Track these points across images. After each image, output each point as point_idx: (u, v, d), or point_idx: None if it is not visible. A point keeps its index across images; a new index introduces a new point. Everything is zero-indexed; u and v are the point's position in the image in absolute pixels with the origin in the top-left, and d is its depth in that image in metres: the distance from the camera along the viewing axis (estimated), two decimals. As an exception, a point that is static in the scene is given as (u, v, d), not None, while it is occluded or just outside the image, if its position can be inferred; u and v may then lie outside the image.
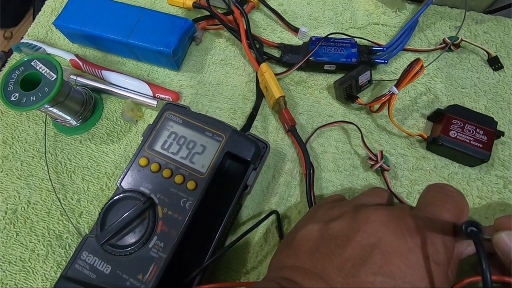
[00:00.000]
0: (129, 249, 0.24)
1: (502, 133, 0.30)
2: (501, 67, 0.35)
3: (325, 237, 0.21)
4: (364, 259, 0.18)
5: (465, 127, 0.30)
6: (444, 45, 0.36)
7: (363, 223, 0.20)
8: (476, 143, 0.29)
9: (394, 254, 0.18)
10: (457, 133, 0.30)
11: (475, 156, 0.29)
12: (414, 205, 0.29)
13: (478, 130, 0.30)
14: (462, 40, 0.35)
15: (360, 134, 0.32)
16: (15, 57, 0.39)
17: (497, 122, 0.30)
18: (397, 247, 0.18)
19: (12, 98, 0.28)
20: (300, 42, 0.37)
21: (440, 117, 0.32)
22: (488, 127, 0.30)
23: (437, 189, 0.22)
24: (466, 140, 0.30)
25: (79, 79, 0.35)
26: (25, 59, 0.29)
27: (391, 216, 0.20)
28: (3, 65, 0.39)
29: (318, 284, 0.18)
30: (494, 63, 0.35)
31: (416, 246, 0.18)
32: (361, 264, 0.18)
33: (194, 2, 0.35)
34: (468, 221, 0.18)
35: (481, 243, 0.17)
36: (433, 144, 0.31)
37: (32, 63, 0.29)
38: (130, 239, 0.24)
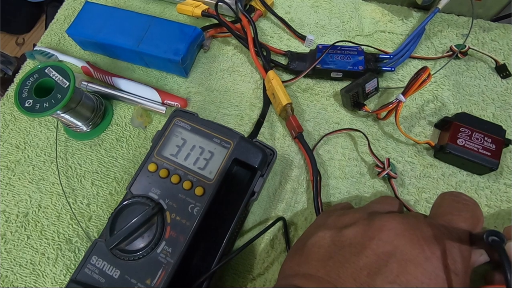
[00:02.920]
0: (137, 254, 0.24)
1: (511, 141, 0.30)
2: (509, 74, 0.35)
3: (338, 245, 0.20)
4: (380, 267, 0.18)
5: (473, 135, 0.30)
6: (451, 53, 0.36)
7: (378, 231, 0.19)
8: (485, 151, 0.29)
9: (410, 263, 0.18)
10: (465, 141, 0.30)
11: (484, 164, 0.29)
12: (421, 212, 0.29)
13: (486, 138, 0.30)
14: (469, 48, 0.35)
15: (367, 142, 0.32)
16: (29, 64, 0.40)
17: (505, 130, 0.30)
18: (414, 256, 0.18)
19: (26, 105, 0.29)
20: (307, 50, 0.38)
21: (447, 125, 0.32)
22: (497, 135, 0.30)
23: (452, 197, 0.22)
24: (474, 148, 0.29)
25: (90, 85, 0.36)
26: (39, 66, 0.30)
27: (407, 225, 0.19)
28: (17, 71, 0.40)
29: None
30: (502, 70, 0.35)
31: (433, 255, 0.18)
32: (376, 273, 0.18)
33: (202, 11, 0.36)
34: (490, 231, 0.18)
35: (505, 252, 0.17)
36: (440, 152, 0.31)
37: (46, 71, 0.30)
38: (139, 244, 0.24)
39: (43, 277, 0.30)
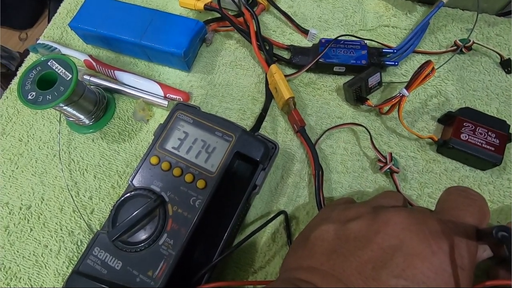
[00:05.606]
0: (139, 245, 0.24)
1: (515, 137, 0.30)
2: (514, 70, 0.34)
3: (342, 238, 0.20)
4: (385, 261, 0.18)
5: (477, 130, 0.30)
6: (455, 47, 0.35)
7: (383, 225, 0.19)
8: (488, 146, 0.29)
9: (417, 258, 0.18)
10: (468, 136, 0.30)
11: (487, 159, 0.29)
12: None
13: (490, 133, 0.29)
14: (474, 42, 0.35)
15: (369, 136, 0.32)
16: (32, 58, 0.40)
17: (509, 125, 0.30)
18: (420, 250, 0.18)
19: (29, 97, 0.29)
20: (309, 44, 0.37)
21: (451, 120, 0.31)
22: (501, 130, 0.30)
23: (459, 192, 0.21)
24: (478, 143, 0.29)
25: (92, 79, 0.36)
26: (42, 59, 0.30)
27: (413, 219, 0.19)
28: (19, 66, 0.41)
29: (337, 287, 0.18)
30: (507, 65, 0.35)
31: (440, 250, 0.18)
32: (382, 267, 0.18)
33: (205, 4, 0.36)
34: (499, 226, 0.18)
35: None
36: (443, 147, 0.31)
37: (49, 63, 0.30)
38: (141, 236, 0.24)
39: (45, 268, 0.30)
